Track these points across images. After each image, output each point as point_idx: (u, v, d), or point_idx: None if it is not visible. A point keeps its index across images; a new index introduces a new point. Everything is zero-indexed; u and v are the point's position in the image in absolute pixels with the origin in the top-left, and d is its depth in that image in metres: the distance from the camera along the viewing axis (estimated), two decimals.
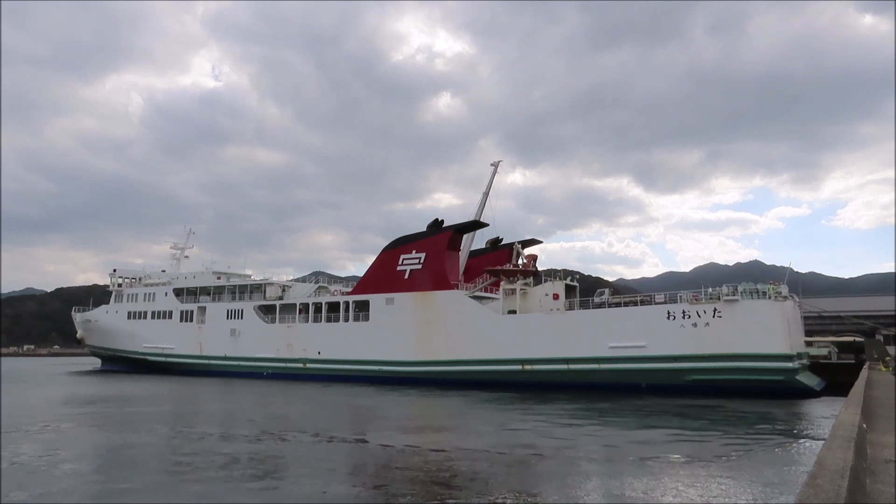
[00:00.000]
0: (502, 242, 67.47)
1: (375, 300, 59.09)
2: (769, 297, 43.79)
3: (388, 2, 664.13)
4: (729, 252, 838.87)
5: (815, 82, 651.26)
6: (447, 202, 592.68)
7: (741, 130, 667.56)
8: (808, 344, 54.03)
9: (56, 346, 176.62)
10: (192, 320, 72.37)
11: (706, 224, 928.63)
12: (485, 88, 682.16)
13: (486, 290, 58.15)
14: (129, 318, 78.43)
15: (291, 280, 75.18)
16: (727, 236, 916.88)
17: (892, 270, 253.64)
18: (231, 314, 69.26)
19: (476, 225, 61.67)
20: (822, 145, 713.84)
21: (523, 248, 60.94)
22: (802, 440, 25.65)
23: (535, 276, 56.81)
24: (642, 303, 49.94)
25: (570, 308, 51.34)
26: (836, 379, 45.03)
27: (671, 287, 57.67)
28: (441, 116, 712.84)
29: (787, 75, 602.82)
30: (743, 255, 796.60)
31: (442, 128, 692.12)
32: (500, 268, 57.02)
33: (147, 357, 75.12)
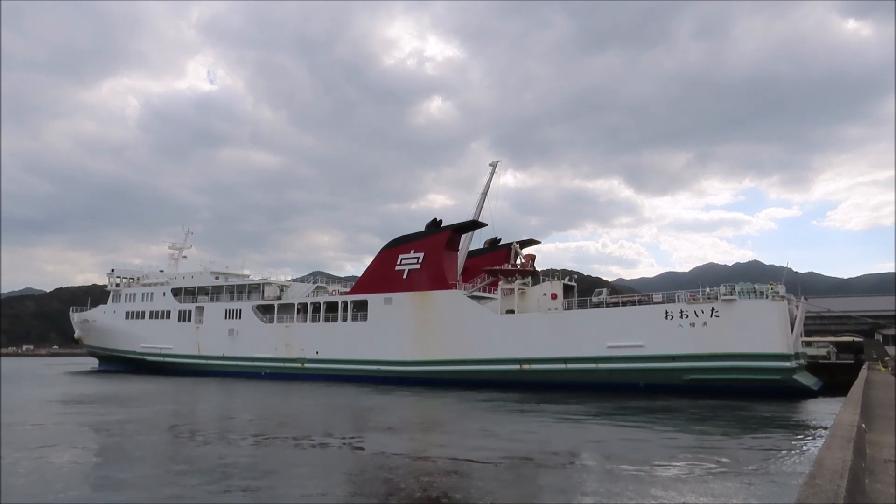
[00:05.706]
0: (500, 243, 67.40)
1: (374, 300, 58.96)
2: (767, 297, 43.77)
3: (379, 2, 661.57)
4: (723, 252, 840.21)
5: (801, 85, 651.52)
6: (441, 203, 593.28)
7: (729, 132, 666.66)
8: (807, 344, 54.07)
9: (55, 346, 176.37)
10: (189, 320, 72.20)
11: (699, 225, 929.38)
12: (475, 92, 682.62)
13: (484, 290, 58.07)
14: (126, 318, 78.25)
15: (290, 280, 75.11)
16: (721, 237, 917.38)
17: (891, 270, 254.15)
18: (229, 314, 69.11)
19: (474, 225, 61.53)
20: (811, 147, 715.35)
21: (521, 248, 60.89)
22: (801, 440, 25.58)
23: (534, 275, 56.71)
24: (640, 302, 49.90)
25: (568, 308, 51.30)
26: (835, 379, 45.03)
27: (670, 287, 57.64)
28: (433, 120, 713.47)
29: (772, 78, 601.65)
30: (737, 255, 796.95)
31: (434, 131, 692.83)
32: (498, 268, 56.91)
33: (145, 357, 74.96)
